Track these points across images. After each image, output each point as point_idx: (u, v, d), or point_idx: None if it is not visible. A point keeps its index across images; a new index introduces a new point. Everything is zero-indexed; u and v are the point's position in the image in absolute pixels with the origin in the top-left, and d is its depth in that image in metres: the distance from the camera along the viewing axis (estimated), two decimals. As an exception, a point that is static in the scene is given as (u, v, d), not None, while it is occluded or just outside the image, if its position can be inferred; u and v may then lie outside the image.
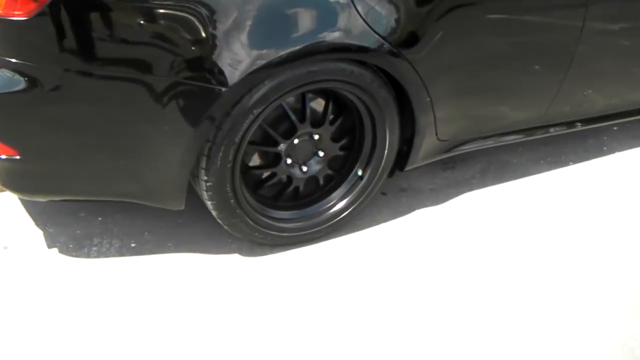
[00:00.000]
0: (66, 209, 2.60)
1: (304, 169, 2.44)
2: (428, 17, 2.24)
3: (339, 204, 2.53)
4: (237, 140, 2.14)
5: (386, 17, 2.18)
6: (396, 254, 2.50)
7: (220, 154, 2.14)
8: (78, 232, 2.52)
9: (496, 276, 2.41)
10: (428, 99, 2.38)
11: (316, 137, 2.39)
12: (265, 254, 2.47)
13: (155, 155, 2.12)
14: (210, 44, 1.98)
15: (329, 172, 2.52)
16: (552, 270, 2.45)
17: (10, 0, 1.85)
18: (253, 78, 2.03)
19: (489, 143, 2.77)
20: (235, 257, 2.46)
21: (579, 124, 2.97)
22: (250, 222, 2.36)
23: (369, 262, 2.46)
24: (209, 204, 2.29)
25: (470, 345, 2.13)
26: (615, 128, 3.37)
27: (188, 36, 1.96)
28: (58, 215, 2.58)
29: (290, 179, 2.45)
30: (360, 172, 2.53)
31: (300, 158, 2.42)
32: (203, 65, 1.99)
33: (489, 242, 2.58)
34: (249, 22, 2.00)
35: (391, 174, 2.61)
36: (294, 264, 2.44)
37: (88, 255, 2.42)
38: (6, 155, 2.06)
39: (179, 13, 1.94)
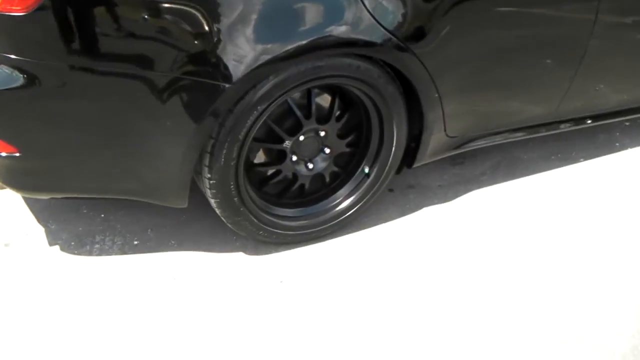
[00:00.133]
0: (68, 206, 2.58)
1: (310, 166, 2.41)
2: (436, 11, 2.20)
3: (345, 202, 2.50)
4: (241, 137, 2.11)
5: (393, 11, 2.14)
6: (403, 253, 2.47)
7: (224, 151, 2.11)
8: (80, 229, 2.50)
9: (505, 276, 2.38)
10: (436, 95, 2.34)
11: (322, 133, 2.36)
12: (270, 252, 2.44)
13: (157, 153, 2.10)
14: (213, 38, 1.95)
15: (335, 169, 2.49)
16: (561, 270, 2.41)
17: (8, -5, 1.83)
18: (257, 73, 2.00)
19: (499, 139, 2.74)
20: (240, 255, 2.43)
21: (589, 120, 2.93)
22: (255, 220, 2.33)
23: (375, 261, 2.43)
24: (212, 201, 2.26)
25: (479, 346, 2.10)
26: (627, 124, 3.32)
27: (191, 31, 1.93)
28: (60, 212, 2.56)
29: (295, 176, 2.42)
30: (367, 170, 2.49)
31: (306, 155, 2.39)
32: (206, 61, 1.97)
33: (497, 241, 2.55)
34: (253, 16, 1.97)
35: (399, 171, 2.58)
36: (300, 262, 2.41)
37: (90, 253, 2.41)
38: (6, 153, 2.04)
39: (182, 7, 1.91)
